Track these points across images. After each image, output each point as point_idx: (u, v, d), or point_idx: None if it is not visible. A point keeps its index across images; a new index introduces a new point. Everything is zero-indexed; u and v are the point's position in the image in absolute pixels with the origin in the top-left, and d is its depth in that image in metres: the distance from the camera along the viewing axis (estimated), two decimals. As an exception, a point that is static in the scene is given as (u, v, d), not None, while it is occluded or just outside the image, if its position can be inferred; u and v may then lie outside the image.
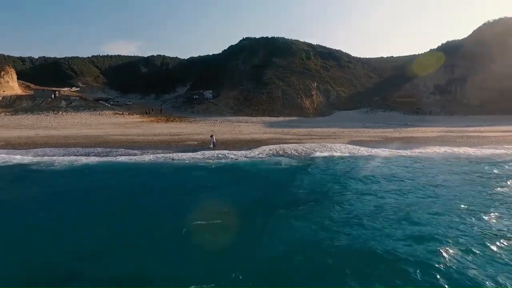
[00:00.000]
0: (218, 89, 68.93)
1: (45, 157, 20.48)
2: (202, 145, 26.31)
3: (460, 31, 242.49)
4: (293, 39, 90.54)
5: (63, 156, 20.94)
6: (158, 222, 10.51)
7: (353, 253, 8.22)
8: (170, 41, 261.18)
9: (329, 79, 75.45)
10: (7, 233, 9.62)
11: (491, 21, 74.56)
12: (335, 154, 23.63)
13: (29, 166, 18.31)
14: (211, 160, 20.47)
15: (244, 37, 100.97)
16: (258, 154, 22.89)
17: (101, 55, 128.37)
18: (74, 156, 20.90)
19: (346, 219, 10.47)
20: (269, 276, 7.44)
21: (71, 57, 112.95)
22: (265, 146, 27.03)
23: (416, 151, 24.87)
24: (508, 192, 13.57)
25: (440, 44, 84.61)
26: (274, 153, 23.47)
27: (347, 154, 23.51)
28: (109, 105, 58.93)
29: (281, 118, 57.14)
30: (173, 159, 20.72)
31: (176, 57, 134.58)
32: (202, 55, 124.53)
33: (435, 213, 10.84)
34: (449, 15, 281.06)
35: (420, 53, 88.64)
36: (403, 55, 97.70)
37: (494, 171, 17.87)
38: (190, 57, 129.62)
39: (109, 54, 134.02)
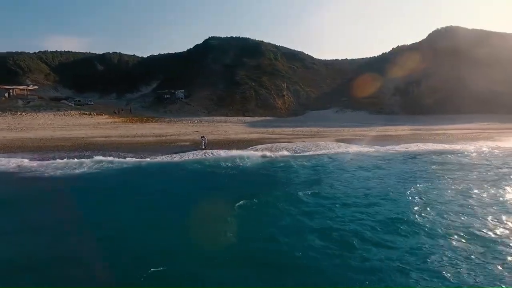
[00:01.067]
0: (189, 89, 67.38)
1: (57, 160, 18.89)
2: (195, 146, 25.59)
3: (413, 36, 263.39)
4: (257, 39, 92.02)
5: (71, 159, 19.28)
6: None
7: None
8: (123, 38, 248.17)
9: (298, 79, 77.70)
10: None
11: (439, 28, 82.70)
12: (332, 151, 24.71)
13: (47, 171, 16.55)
14: (223, 162, 20.17)
15: (210, 36, 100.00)
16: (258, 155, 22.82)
17: (49, 50, 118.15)
18: (84, 159, 19.42)
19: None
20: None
21: (16, 52, 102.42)
22: (259, 146, 27.27)
23: (403, 148, 27.00)
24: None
25: (391, 49, 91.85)
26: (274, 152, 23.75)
27: (345, 151, 24.70)
28: (73, 104, 54.49)
29: (256, 118, 57.54)
30: (184, 161, 20.25)
31: (134, 54, 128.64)
32: (162, 53, 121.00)
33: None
34: (403, 20, 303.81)
35: (377, 55, 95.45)
36: (361, 57, 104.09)
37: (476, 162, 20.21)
38: (150, 55, 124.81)
39: (58, 50, 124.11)
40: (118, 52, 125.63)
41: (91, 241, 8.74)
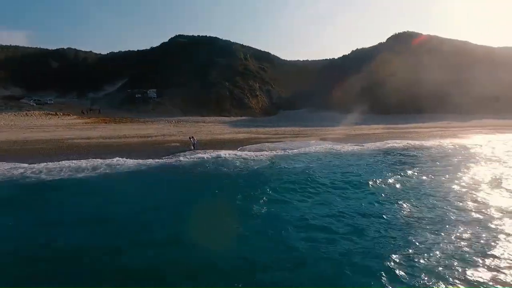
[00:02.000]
0: (160, 88, 65.19)
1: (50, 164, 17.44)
2: (185, 146, 24.93)
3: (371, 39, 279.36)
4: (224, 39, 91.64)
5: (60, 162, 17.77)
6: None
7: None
8: (79, 33, 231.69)
9: (269, 80, 78.78)
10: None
11: (397, 33, 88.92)
12: (323, 149, 25.83)
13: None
14: (235, 163, 20.08)
15: (177, 34, 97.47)
16: (259, 155, 23.05)
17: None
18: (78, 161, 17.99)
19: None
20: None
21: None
22: (251, 146, 27.57)
23: (388, 145, 28.92)
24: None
25: (350, 51, 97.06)
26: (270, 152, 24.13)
27: (337, 149, 25.91)
28: (34, 104, 49.98)
29: (233, 118, 57.51)
30: (186, 162, 19.82)
31: (91, 51, 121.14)
32: (124, 50, 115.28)
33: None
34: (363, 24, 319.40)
35: (337, 57, 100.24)
36: (324, 58, 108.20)
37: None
38: (110, 52, 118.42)
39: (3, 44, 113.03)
40: (74, 48, 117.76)
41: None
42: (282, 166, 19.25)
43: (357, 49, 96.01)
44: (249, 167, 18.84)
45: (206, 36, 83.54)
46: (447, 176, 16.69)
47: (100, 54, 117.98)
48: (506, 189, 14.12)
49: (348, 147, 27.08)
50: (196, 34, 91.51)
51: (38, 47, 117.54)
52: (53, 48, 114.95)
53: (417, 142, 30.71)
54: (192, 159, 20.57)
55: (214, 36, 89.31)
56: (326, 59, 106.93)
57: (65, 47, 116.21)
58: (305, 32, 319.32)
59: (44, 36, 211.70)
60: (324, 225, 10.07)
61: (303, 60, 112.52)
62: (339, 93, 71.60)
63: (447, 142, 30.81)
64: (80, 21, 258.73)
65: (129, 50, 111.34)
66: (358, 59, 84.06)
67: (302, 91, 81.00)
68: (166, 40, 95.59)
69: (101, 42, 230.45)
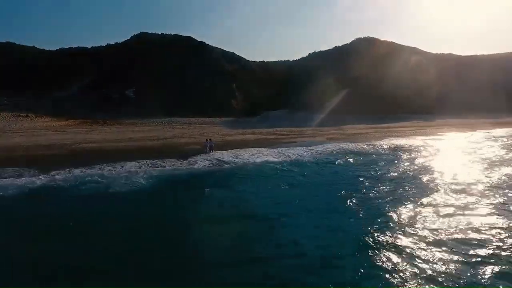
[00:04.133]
0: (135, 88, 61.60)
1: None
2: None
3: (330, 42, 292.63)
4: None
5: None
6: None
7: None
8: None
9: (244, 80, 78.63)
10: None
11: (362, 37, 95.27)
12: (352, 148, 27.03)
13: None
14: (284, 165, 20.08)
15: (142, 31, 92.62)
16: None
17: None
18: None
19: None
20: None
21: None
22: (284, 144, 28.26)
23: (388, 142, 30.93)
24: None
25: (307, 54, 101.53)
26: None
27: (355, 147, 27.22)
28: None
29: (217, 119, 56.57)
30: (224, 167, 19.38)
31: (34, 46, 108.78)
32: (75, 46, 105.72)
33: None
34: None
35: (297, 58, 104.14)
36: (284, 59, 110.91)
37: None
38: (60, 48, 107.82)
39: None
40: (13, 42, 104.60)
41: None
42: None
43: (320, 50, 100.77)
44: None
45: (180, 35, 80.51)
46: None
47: (49, 50, 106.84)
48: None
49: (365, 146, 28.53)
50: (159, 32, 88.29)
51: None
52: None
53: (416, 141, 33.44)
54: (253, 163, 19.92)
55: (188, 35, 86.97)
56: (287, 60, 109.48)
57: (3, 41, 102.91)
58: (260, 33, 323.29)
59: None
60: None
61: (267, 61, 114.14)
62: (312, 94, 74.11)
63: (438, 137, 34.06)
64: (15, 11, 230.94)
65: (93, 47, 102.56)
66: (322, 60, 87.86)
67: (274, 92, 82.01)
68: (122, 38, 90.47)
69: (42, 36, 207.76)
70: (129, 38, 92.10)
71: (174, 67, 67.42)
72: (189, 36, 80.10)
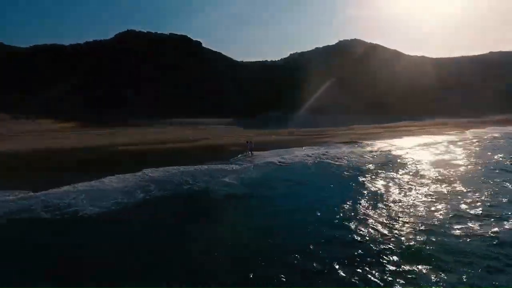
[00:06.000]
0: (129, 88, 58.97)
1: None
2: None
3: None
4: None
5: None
6: None
7: None
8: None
9: (234, 81, 77.34)
10: None
11: (349, 39, 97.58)
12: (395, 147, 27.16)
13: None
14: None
15: (128, 29, 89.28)
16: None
17: None
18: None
19: None
20: None
21: None
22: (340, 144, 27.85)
23: (411, 139, 31.55)
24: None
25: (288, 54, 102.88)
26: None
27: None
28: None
29: (223, 120, 55.43)
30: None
31: (1, 42, 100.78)
32: (51, 44, 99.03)
33: None
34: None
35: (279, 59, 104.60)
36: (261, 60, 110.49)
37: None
38: (33, 45, 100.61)
39: None
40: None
41: None
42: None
43: (302, 51, 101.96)
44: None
45: (176, 34, 78.00)
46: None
47: (24, 48, 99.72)
48: None
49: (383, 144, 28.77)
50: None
51: None
52: None
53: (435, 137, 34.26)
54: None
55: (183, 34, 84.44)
56: (267, 61, 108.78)
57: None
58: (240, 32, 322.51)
59: None
60: None
61: (254, 61, 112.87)
62: (305, 95, 74.41)
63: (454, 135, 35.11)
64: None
65: (73, 44, 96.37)
66: (309, 60, 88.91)
67: (264, 93, 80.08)
68: (104, 36, 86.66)
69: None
70: (113, 36, 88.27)
71: (166, 66, 65.22)
72: (183, 35, 78.03)
